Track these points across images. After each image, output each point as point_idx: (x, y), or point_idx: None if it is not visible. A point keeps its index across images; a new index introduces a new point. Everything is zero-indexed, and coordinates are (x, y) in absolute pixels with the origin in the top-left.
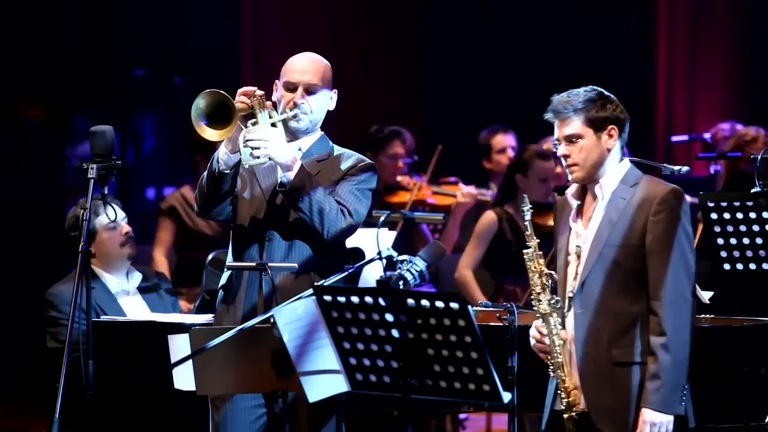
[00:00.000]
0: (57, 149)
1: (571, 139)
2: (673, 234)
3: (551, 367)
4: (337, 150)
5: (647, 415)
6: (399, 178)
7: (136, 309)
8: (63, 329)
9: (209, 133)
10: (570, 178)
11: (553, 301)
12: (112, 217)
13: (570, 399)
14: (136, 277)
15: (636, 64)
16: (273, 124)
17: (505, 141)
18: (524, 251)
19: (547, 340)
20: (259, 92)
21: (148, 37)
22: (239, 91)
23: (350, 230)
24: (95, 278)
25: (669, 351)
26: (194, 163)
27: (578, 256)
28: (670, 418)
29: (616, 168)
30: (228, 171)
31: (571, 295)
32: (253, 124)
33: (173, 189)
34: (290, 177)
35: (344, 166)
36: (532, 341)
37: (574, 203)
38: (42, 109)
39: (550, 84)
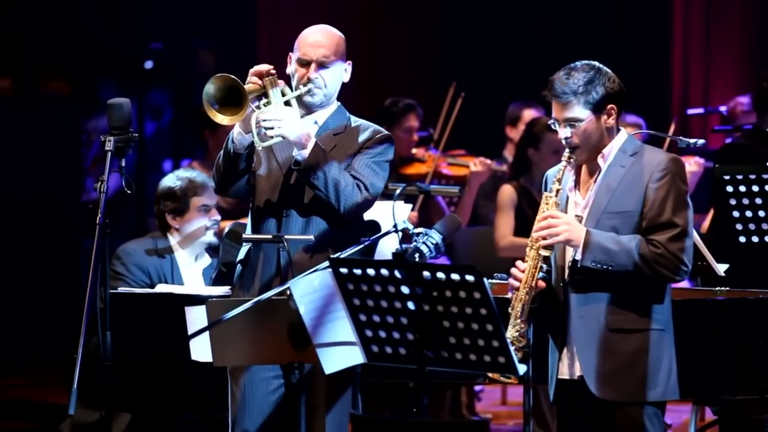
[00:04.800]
0: (77, 122)
1: (571, 123)
2: (673, 199)
3: (512, 302)
4: (354, 121)
5: (578, 231)
6: (414, 151)
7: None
8: (121, 284)
9: (221, 118)
10: (573, 160)
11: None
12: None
13: (515, 338)
14: (204, 261)
15: (652, 38)
16: (287, 102)
17: (535, 114)
18: (547, 194)
19: (521, 275)
20: (270, 68)
21: (165, 10)
22: (251, 71)
23: (367, 204)
24: (168, 251)
25: (647, 248)
26: (202, 137)
27: None
28: (575, 241)
29: (616, 139)
30: (242, 151)
31: (569, 263)
32: (266, 104)
33: (190, 161)
34: (305, 155)
35: (361, 138)
36: (512, 272)
37: (572, 174)
38: (63, 82)
39: (566, 58)
